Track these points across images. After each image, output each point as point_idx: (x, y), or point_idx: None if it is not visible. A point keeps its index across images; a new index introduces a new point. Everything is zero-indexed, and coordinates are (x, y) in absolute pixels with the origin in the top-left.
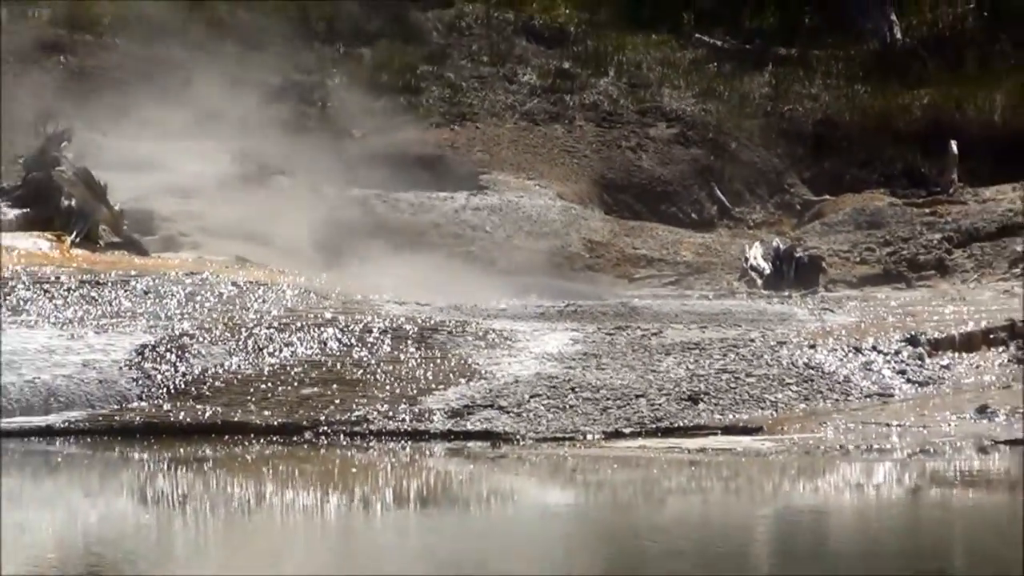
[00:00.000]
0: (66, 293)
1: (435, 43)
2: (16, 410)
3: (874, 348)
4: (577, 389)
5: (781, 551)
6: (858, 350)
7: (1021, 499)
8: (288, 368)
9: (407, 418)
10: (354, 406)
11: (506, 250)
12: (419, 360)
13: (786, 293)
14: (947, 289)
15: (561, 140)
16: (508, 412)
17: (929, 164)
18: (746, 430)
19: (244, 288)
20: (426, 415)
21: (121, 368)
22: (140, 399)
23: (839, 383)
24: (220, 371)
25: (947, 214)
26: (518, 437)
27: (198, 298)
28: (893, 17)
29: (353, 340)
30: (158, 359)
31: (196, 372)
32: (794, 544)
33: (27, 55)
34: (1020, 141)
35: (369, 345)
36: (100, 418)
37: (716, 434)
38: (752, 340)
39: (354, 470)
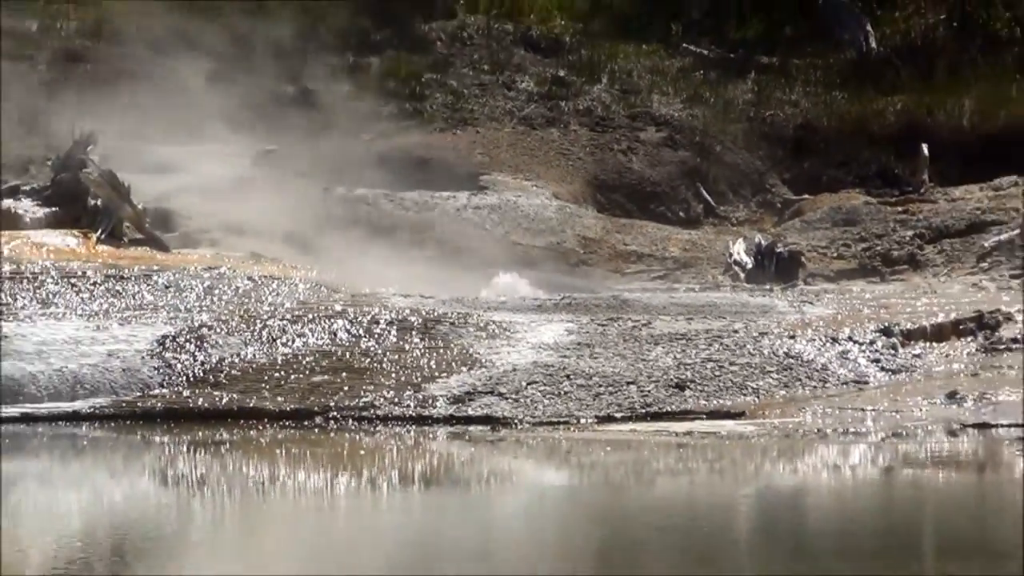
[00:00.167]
0: (92, 287)
1: (439, 53)
2: (45, 397)
3: (850, 338)
4: (571, 376)
5: (763, 528)
6: (835, 340)
7: (987, 479)
8: (300, 357)
9: (412, 404)
10: (362, 393)
11: (504, 246)
12: (423, 350)
13: (767, 287)
14: (919, 283)
15: (557, 143)
16: (507, 398)
17: (902, 165)
18: (730, 415)
19: (259, 282)
20: (430, 401)
21: (143, 357)
22: (161, 386)
23: (817, 371)
24: (236, 360)
25: (919, 212)
26: (516, 422)
27: (216, 292)
28: (869, 28)
29: (361, 331)
30: (178, 349)
31: (214, 361)
32: (775, 521)
33: (55, 64)
34: (987, 144)
35: (376, 336)
36: (124, 404)
37: (702, 419)
38: (735, 331)
39: (362, 452)
